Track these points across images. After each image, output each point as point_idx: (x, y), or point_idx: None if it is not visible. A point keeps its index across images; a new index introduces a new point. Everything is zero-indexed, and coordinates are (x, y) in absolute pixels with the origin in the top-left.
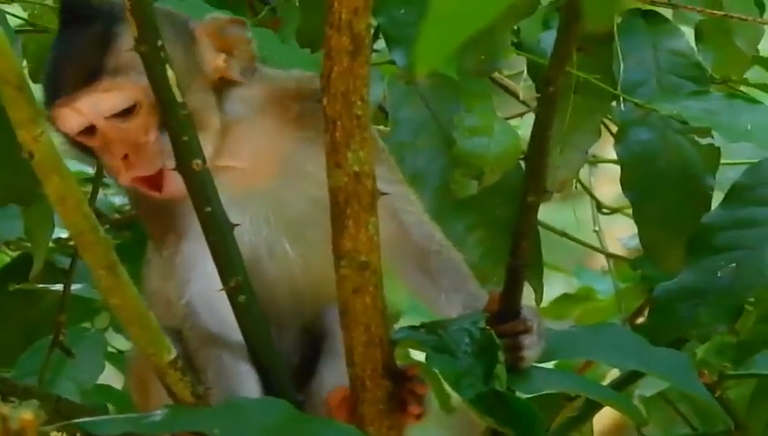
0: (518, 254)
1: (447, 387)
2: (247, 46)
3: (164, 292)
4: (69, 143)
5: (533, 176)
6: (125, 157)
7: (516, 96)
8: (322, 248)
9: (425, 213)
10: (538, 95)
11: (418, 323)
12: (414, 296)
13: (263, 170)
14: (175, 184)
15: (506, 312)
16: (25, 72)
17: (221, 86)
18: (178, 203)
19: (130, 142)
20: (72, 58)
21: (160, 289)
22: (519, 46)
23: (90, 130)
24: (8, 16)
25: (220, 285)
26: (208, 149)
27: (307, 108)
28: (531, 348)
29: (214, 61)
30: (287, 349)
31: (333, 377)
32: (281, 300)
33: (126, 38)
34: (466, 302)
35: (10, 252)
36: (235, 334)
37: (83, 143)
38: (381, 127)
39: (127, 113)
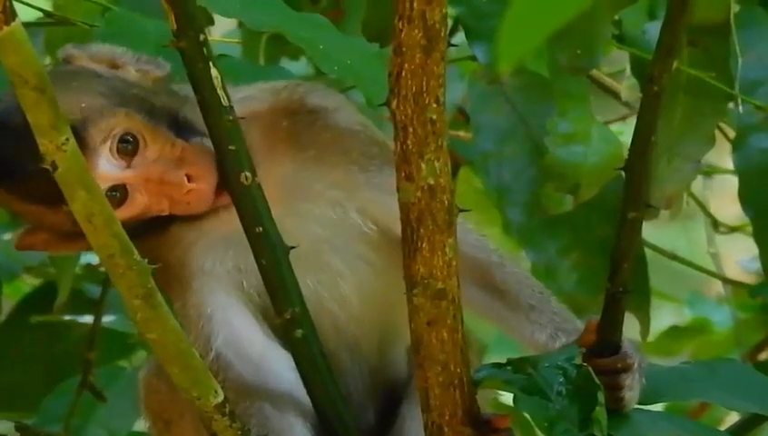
0: (618, 280)
1: (538, 433)
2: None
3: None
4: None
5: (633, 188)
6: (190, 179)
7: (617, 97)
8: (355, 276)
9: (469, 223)
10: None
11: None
12: (486, 320)
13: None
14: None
15: (604, 346)
16: None
17: None
18: (173, 249)
19: (174, 162)
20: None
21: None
22: (621, 39)
23: (124, 198)
24: (30, 9)
25: (246, 329)
26: None
27: (298, 124)
28: (633, 388)
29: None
30: (355, 397)
31: (414, 427)
32: (330, 343)
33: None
34: (555, 322)
35: (31, 280)
36: (275, 382)
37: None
38: (461, 133)
39: (128, 148)
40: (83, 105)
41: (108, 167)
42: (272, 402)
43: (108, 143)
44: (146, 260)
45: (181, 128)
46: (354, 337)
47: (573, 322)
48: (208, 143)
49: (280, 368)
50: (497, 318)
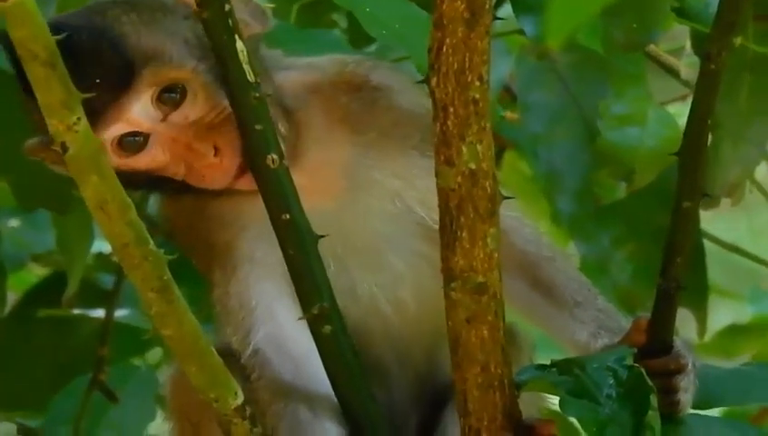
0: (670, 274)
1: None
2: None
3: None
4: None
5: (688, 176)
6: (216, 152)
7: (676, 76)
8: (414, 277)
9: (525, 216)
10: None
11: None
12: (528, 317)
13: (321, 186)
14: None
15: (655, 346)
16: None
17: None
18: (221, 232)
19: (207, 129)
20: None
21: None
22: (681, 13)
23: (142, 146)
24: None
25: (291, 325)
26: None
27: (359, 102)
28: (687, 391)
29: None
30: (399, 406)
31: (456, 433)
32: (377, 347)
33: (132, 29)
34: (599, 320)
35: (39, 270)
36: (315, 384)
37: (138, 169)
38: (508, 113)
39: (175, 99)
40: (157, 46)
41: (142, 112)
42: (309, 405)
43: (154, 88)
44: (172, 248)
45: None
46: (404, 343)
47: (618, 321)
48: None
49: (322, 369)
50: (539, 314)
